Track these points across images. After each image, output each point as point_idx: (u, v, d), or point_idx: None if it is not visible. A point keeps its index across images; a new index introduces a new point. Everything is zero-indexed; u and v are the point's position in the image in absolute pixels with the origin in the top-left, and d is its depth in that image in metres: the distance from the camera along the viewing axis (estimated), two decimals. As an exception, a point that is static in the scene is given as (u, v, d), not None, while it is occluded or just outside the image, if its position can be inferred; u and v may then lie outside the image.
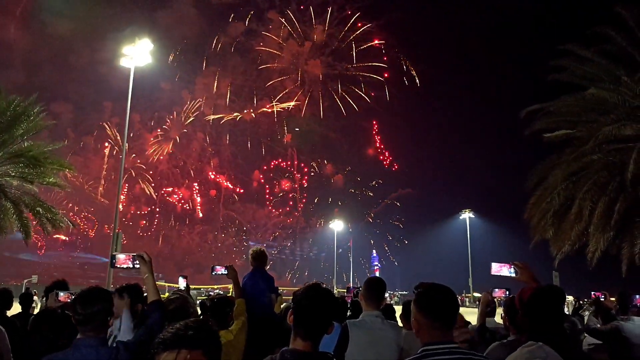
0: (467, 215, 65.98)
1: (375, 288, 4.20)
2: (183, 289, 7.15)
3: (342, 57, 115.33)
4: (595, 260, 18.36)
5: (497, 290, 5.59)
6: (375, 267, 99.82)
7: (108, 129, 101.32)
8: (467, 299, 65.68)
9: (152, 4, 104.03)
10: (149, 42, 26.57)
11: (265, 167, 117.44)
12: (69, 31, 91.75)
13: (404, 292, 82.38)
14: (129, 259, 3.48)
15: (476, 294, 64.92)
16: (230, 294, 10.99)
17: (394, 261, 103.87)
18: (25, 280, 46.50)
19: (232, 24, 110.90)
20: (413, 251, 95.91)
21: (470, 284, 64.32)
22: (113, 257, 3.53)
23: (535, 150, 22.14)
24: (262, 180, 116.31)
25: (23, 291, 22.93)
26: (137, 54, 25.89)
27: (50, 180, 22.79)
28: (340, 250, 73.83)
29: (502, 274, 4.16)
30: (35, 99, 22.70)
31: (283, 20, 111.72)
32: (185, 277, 7.52)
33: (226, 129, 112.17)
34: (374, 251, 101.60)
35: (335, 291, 66.82)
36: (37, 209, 21.93)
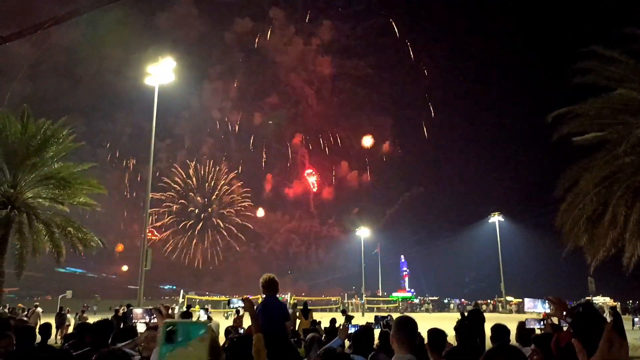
0: (496, 219, 64.86)
1: (407, 329, 4.05)
2: (204, 320, 7.11)
3: (352, 53, 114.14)
4: (632, 266, 17.79)
5: (531, 321, 5.33)
6: (404, 273, 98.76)
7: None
8: (499, 304, 64.44)
9: (153, 6, 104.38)
10: (172, 61, 26.99)
11: (276, 170, 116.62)
12: (74, 40, 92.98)
13: (434, 298, 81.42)
14: (144, 313, 3.43)
15: (509, 298, 63.64)
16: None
17: (422, 266, 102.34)
18: (60, 296, 47.58)
19: (236, 23, 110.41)
20: (442, 255, 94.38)
21: (503, 289, 63.06)
22: (130, 311, 3.48)
23: (565, 154, 21.56)
24: (273, 185, 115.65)
25: (58, 310, 23.47)
26: (161, 72, 26.37)
27: (80, 200, 23.30)
28: (361, 259, 72.95)
29: (536, 310, 3.99)
30: (64, 121, 23.26)
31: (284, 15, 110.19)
32: (206, 309, 7.51)
33: (238, 132, 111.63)
34: (402, 256, 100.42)
35: (364, 299, 66.46)
36: (68, 229, 22.38)
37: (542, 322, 3.71)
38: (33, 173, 22.22)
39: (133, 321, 3.48)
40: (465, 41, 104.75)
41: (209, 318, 6.58)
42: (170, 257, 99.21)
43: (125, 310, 18.74)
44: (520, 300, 54.87)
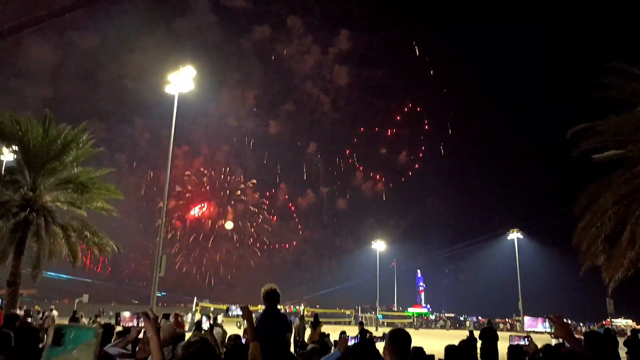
0: (515, 236, 63.84)
1: (400, 341, 4.01)
2: (206, 329, 7.12)
3: (370, 63, 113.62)
4: (652, 288, 17.33)
5: (515, 337, 5.07)
6: (420, 288, 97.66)
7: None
8: (517, 323, 63.17)
9: (172, 12, 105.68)
10: (192, 69, 27.32)
11: (291, 178, 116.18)
12: (95, 46, 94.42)
13: (451, 315, 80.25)
14: (135, 317, 3.44)
15: (527, 318, 62.32)
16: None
17: (438, 282, 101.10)
18: (77, 300, 48.22)
19: (254, 30, 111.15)
20: (459, 271, 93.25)
21: (520, 307, 61.80)
22: (118, 315, 3.50)
23: (584, 171, 21.21)
24: (287, 196, 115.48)
25: (72, 314, 23.74)
26: (181, 81, 26.70)
27: (98, 205, 23.59)
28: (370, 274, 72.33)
29: (536, 330, 3.89)
30: (85, 126, 23.68)
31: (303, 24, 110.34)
32: (208, 316, 7.51)
33: (255, 141, 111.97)
34: (419, 271, 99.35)
35: (379, 313, 65.79)
36: (85, 233, 22.67)
37: (525, 339, 3.62)
38: (52, 177, 22.62)
39: (121, 324, 3.48)
40: (486, 56, 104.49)
41: (213, 326, 6.55)
42: (183, 265, 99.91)
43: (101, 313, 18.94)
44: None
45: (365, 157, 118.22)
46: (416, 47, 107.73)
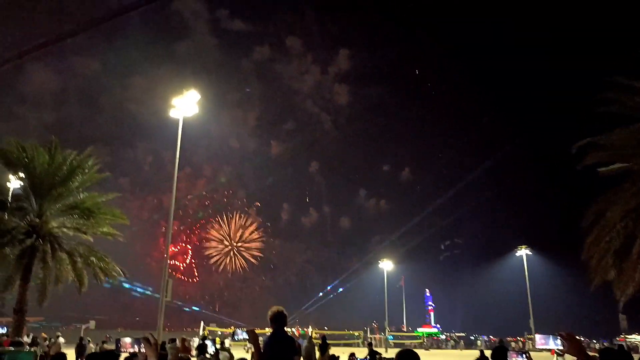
0: (523, 252, 63.16)
1: None
2: (212, 353, 7.02)
3: (370, 81, 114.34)
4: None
5: (512, 353, 5.00)
6: (429, 307, 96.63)
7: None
8: (529, 341, 62.11)
9: (172, 35, 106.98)
10: (196, 93, 27.53)
11: (293, 198, 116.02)
12: (96, 70, 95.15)
13: (461, 334, 79.10)
14: (134, 342, 3.39)
15: (538, 336, 61.26)
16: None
17: (448, 301, 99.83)
18: (84, 327, 47.96)
19: (254, 51, 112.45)
20: (469, 289, 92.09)
21: (532, 325, 60.81)
22: (118, 341, 3.45)
23: (591, 185, 21.07)
24: (290, 216, 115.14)
25: (78, 340, 23.57)
26: (185, 104, 26.86)
27: (104, 230, 23.63)
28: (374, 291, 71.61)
29: (548, 347, 3.80)
30: (91, 152, 23.85)
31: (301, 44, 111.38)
32: (213, 340, 7.41)
33: (253, 161, 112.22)
34: (427, 290, 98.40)
35: (388, 334, 64.98)
36: (91, 258, 22.66)
37: (524, 355, 3.54)
38: (58, 203, 22.73)
39: (122, 350, 3.43)
40: (487, 71, 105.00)
41: (219, 350, 6.43)
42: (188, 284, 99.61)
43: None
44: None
45: (367, 174, 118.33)
46: (416, 68, 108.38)
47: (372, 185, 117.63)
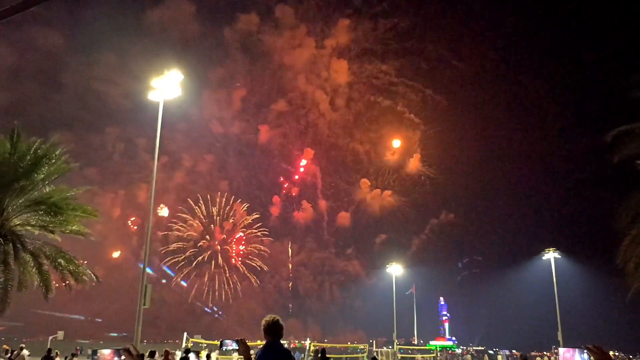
0: (551, 255, 63.29)
1: None
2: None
3: (372, 57, 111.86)
4: None
5: None
6: (444, 318, 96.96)
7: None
8: (555, 356, 62.38)
9: (143, 2, 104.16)
10: (179, 74, 27.46)
11: (284, 191, 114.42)
12: (57, 44, 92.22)
13: (480, 348, 79.41)
14: (114, 354, 3.49)
15: (561, 350, 61.27)
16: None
17: (465, 310, 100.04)
18: (51, 337, 48.10)
19: (239, 20, 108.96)
20: (489, 297, 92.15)
21: (560, 338, 61.06)
22: (95, 352, 3.55)
23: (626, 180, 21.12)
24: (280, 211, 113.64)
25: (46, 352, 23.72)
26: (166, 86, 26.78)
27: (73, 228, 23.67)
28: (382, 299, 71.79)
29: None
30: (57, 140, 23.85)
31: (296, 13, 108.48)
32: (196, 352, 7.53)
33: (239, 147, 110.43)
34: (441, 298, 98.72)
35: (396, 347, 65.29)
36: (59, 260, 22.73)
37: (583, 353, 3.64)
38: (21, 197, 22.71)
39: (99, 363, 3.54)
40: (511, 55, 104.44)
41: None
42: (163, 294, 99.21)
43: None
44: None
45: (369, 164, 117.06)
46: (427, 42, 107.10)
47: (374, 176, 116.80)
